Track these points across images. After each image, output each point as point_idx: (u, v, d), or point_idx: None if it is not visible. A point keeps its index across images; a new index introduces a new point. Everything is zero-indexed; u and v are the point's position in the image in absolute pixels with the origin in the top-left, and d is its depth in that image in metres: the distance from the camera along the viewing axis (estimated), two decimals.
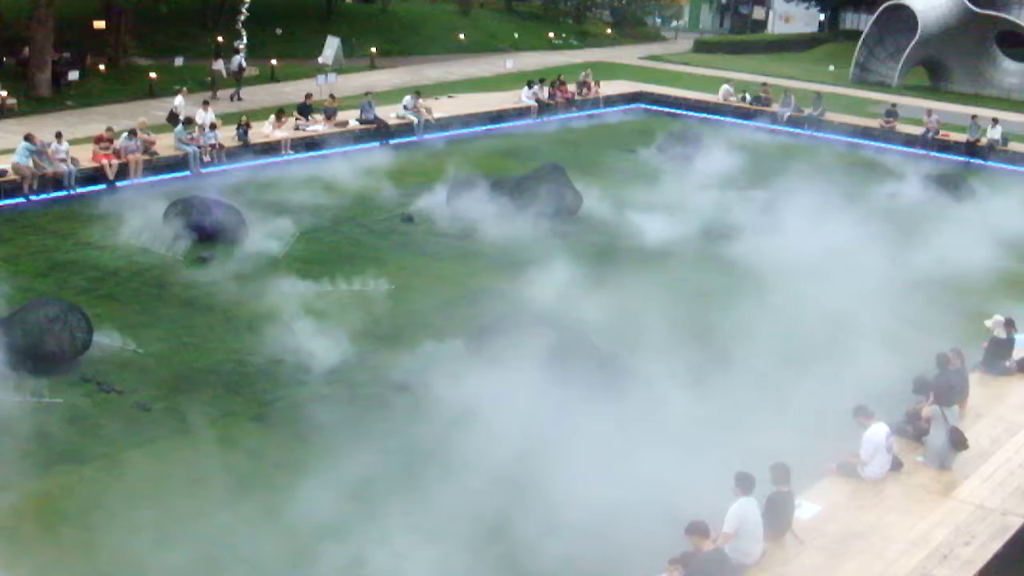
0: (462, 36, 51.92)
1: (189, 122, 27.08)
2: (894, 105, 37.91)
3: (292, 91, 35.43)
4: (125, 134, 25.35)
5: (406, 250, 21.83)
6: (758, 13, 76.53)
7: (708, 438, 12.93)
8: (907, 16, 46.24)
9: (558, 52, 54.22)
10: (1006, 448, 13.46)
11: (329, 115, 30.50)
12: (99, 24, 36.43)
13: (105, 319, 16.70)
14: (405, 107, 32.25)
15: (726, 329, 17.51)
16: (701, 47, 60.34)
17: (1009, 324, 16.00)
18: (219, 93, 34.73)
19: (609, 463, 12.32)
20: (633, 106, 40.06)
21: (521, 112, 35.81)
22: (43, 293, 17.56)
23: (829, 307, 18.00)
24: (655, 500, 11.51)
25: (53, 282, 18.73)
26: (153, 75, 35.22)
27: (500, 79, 42.25)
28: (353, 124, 30.55)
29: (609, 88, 40.29)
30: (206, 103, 28.79)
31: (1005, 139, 34.42)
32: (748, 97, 39.25)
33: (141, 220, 21.34)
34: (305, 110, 30.20)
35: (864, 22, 57.74)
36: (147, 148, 25.57)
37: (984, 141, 34.29)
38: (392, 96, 34.49)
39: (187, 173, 25.82)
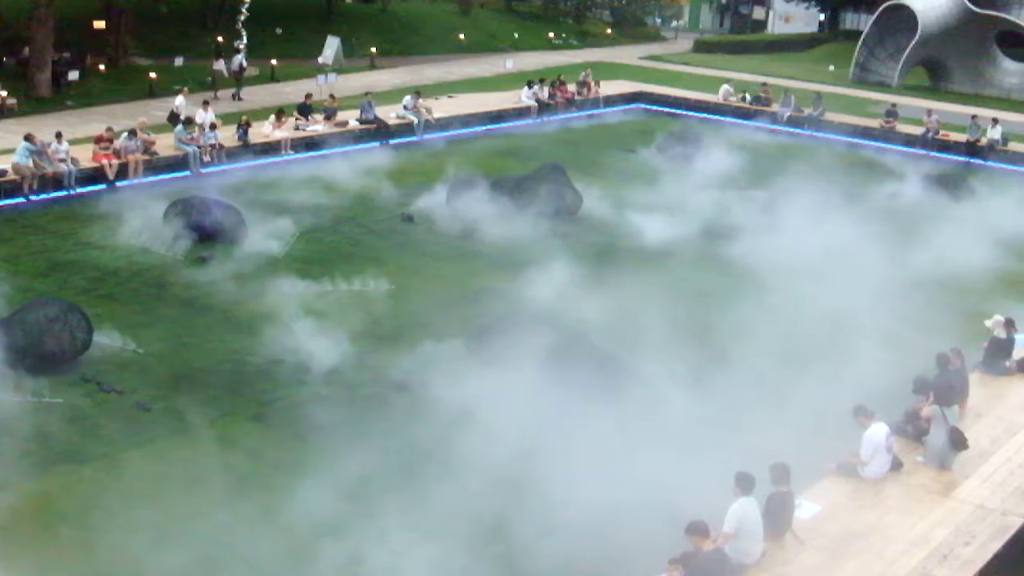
0: (462, 36, 51.92)
1: (189, 122, 27.09)
2: (894, 105, 37.91)
3: (292, 91, 35.43)
4: (125, 134, 25.36)
5: (406, 250, 21.83)
6: (758, 13, 76.53)
7: (708, 438, 12.93)
8: (907, 16, 46.24)
9: (558, 52, 54.22)
10: (1006, 448, 13.46)
11: (329, 115, 30.50)
12: (99, 24, 36.42)
13: (105, 319, 16.70)
14: (405, 107, 32.25)
15: (726, 329, 17.50)
16: (701, 47, 60.34)
17: (1009, 324, 16.00)
18: (220, 93, 34.73)
19: (609, 463, 12.32)
20: (633, 106, 40.05)
21: (521, 112, 35.80)
22: (43, 293, 17.56)
23: (829, 307, 17.99)
24: (655, 500, 11.50)
25: (53, 282, 18.73)
26: (153, 75, 35.21)
27: (500, 79, 42.25)
28: (353, 124, 30.55)
29: (609, 88, 40.29)
30: (206, 103, 28.78)
31: (1005, 139, 34.42)
32: (748, 97, 39.25)
33: (141, 220, 21.34)
34: (305, 110, 30.19)
35: (864, 22, 57.74)
36: (147, 148, 25.57)
37: (984, 141, 34.29)
38: (392, 96, 34.49)
39: (187, 173, 25.82)
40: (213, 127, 27.00)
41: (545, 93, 36.74)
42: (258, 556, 11.10)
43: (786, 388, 14.54)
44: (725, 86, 40.05)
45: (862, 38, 49.86)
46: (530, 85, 36.61)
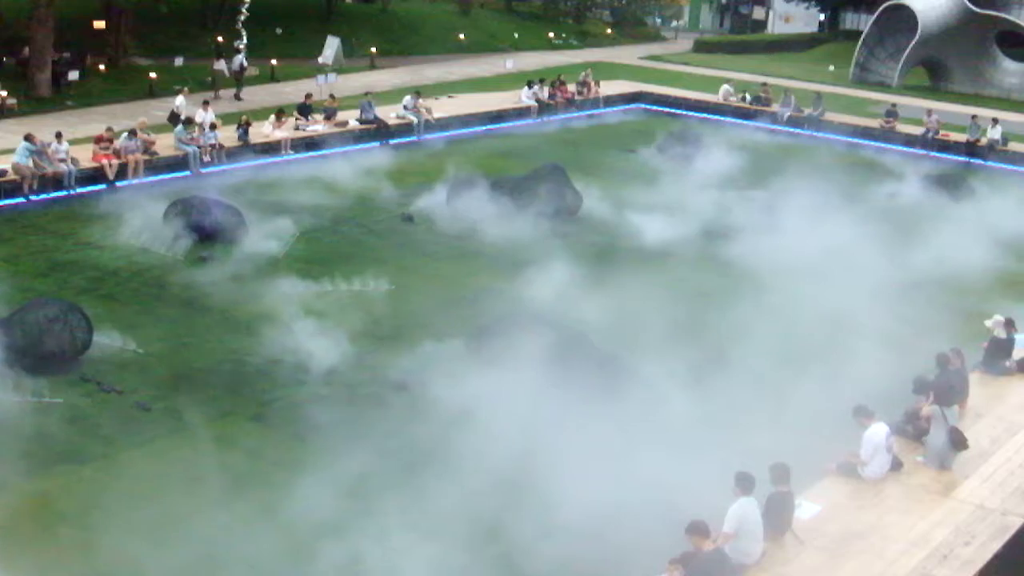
0: (462, 36, 51.92)
1: (189, 122, 27.09)
2: (894, 105, 37.91)
3: (292, 91, 35.42)
4: (125, 134, 25.35)
5: (406, 250, 21.83)
6: (758, 13, 76.52)
7: (708, 438, 12.93)
8: (907, 16, 46.24)
9: (558, 52, 54.22)
10: (1006, 448, 13.46)
11: (329, 115, 30.50)
12: (99, 24, 36.41)
13: (105, 319, 16.69)
14: (405, 107, 32.25)
15: (726, 329, 17.50)
16: (701, 47, 60.33)
17: (1009, 324, 16.00)
18: (221, 93, 34.74)
19: (609, 463, 12.31)
20: (633, 106, 40.05)
21: (521, 112, 35.80)
22: (43, 293, 17.56)
23: (829, 307, 17.99)
24: (655, 500, 11.50)
25: (53, 282, 18.73)
26: (153, 75, 35.21)
27: (500, 79, 42.25)
28: (353, 124, 30.55)
29: (609, 88, 40.29)
30: (206, 103, 28.78)
31: (1005, 139, 34.43)
32: (748, 97, 39.25)
33: (141, 220, 21.34)
34: (305, 110, 30.19)
35: (864, 22, 57.74)
36: (147, 148, 25.57)
37: (984, 141, 34.30)
38: (392, 96, 34.49)
39: (187, 173, 25.82)
40: (213, 127, 27.00)
41: (545, 93, 36.74)
42: (258, 556, 11.09)
43: (786, 388, 14.54)
44: (725, 86, 40.05)
45: (862, 38, 49.87)
46: (530, 85, 36.61)
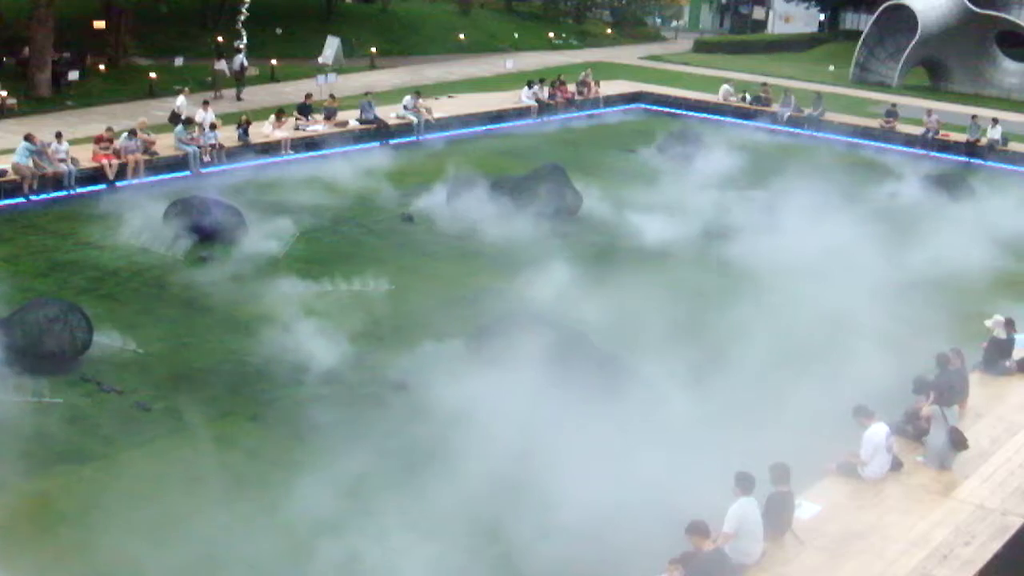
0: (462, 36, 51.92)
1: (189, 122, 27.10)
2: (894, 105, 37.91)
3: (292, 91, 35.43)
4: (125, 134, 25.35)
5: (406, 250, 21.83)
6: (758, 13, 76.52)
7: (708, 438, 12.91)
8: (907, 16, 46.24)
9: (558, 52, 54.22)
10: (1006, 448, 13.46)
11: (329, 115, 30.49)
12: (99, 24, 36.42)
13: (105, 319, 16.69)
14: (405, 107, 32.25)
15: (725, 329, 17.48)
16: (701, 47, 60.34)
17: (1009, 324, 16.00)
18: (221, 93, 34.75)
19: (608, 463, 12.31)
20: (633, 106, 40.05)
21: (521, 112, 35.80)
22: (43, 293, 17.56)
23: (829, 307, 17.97)
24: (655, 500, 11.49)
25: (53, 282, 18.73)
26: (153, 75, 35.21)
27: (500, 79, 42.25)
28: (353, 124, 30.55)
29: (609, 88, 40.29)
30: (206, 103, 28.78)
31: (1005, 139, 34.43)
32: (748, 97, 39.26)
33: (141, 220, 21.34)
34: (305, 110, 30.19)
35: (864, 22, 57.75)
36: (147, 148, 25.57)
37: (984, 141, 34.30)
38: (392, 96, 34.49)
39: (187, 173, 25.83)
40: (213, 127, 27.00)
41: (545, 93, 36.74)
42: (257, 555, 11.09)
43: (786, 388, 14.51)
44: (725, 86, 40.05)
45: (862, 38, 49.87)
46: (530, 85, 36.61)
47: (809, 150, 33.61)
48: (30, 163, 23.28)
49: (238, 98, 34.78)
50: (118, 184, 24.45)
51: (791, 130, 36.42)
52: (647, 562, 10.36)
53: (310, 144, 29.08)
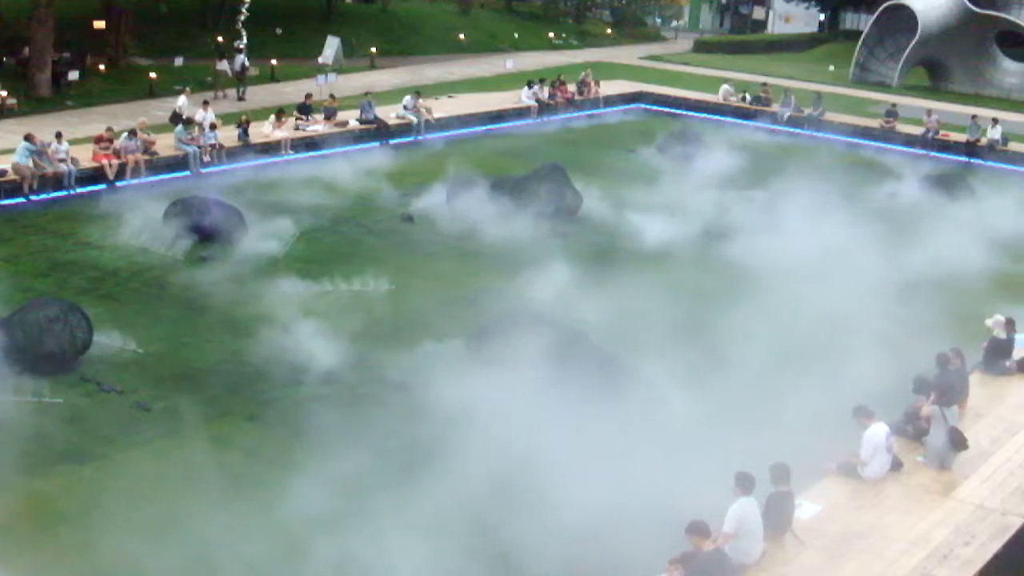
0: (462, 36, 51.92)
1: (189, 122, 27.10)
2: (894, 105, 37.91)
3: (292, 91, 35.42)
4: (125, 134, 25.35)
5: (406, 250, 21.83)
6: (758, 13, 76.53)
7: (708, 438, 12.91)
8: (907, 16, 46.24)
9: (558, 52, 54.22)
10: (1006, 448, 13.46)
11: (329, 115, 30.50)
12: (99, 24, 36.42)
13: (105, 319, 16.69)
14: (405, 107, 32.25)
15: (725, 329, 17.47)
16: (701, 47, 60.35)
17: (1009, 324, 16.00)
18: (225, 93, 34.77)
19: (608, 463, 12.31)
20: (633, 106, 40.06)
21: (521, 112, 35.80)
22: (43, 293, 17.56)
23: (829, 307, 17.97)
24: (655, 500, 11.49)
25: (53, 282, 18.73)
26: (153, 75, 35.21)
27: (500, 79, 42.25)
28: (353, 124, 30.55)
29: (609, 88, 40.29)
30: (206, 103, 28.79)
31: (1005, 139, 34.43)
32: (748, 97, 39.26)
33: (141, 220, 21.34)
34: (305, 110, 30.20)
35: (864, 22, 57.76)
36: (147, 148, 25.57)
37: (984, 141, 34.31)
38: (392, 96, 34.49)
39: (187, 173, 25.83)
40: (213, 127, 27.00)
41: (545, 93, 36.74)
42: (257, 555, 11.09)
43: (786, 388, 14.51)
44: (725, 86, 40.06)
45: (862, 38, 49.88)
46: (530, 85, 36.62)
47: (809, 150, 33.61)
48: (30, 163, 23.28)
49: (240, 98, 34.79)
50: (118, 184, 24.45)
51: (791, 130, 36.42)
52: (647, 562, 10.36)
53: (310, 144, 29.08)
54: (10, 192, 23.05)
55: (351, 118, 30.74)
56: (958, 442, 12.79)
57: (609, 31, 63.01)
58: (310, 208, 23.71)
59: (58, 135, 24.11)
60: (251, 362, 16.00)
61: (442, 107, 34.49)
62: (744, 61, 53.85)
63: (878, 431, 12.31)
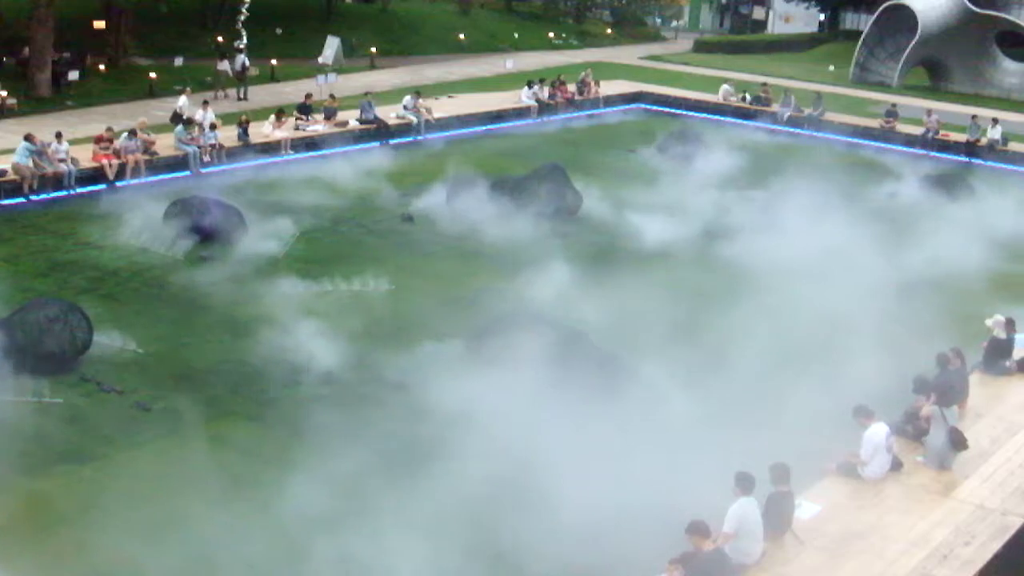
0: (462, 36, 51.92)
1: (189, 122, 27.10)
2: (894, 105, 37.92)
3: (292, 91, 35.43)
4: (125, 134, 25.35)
5: (406, 250, 21.82)
6: (758, 13, 76.53)
7: (708, 438, 12.91)
8: (907, 16, 46.24)
9: (558, 52, 54.22)
10: (1006, 448, 13.46)
11: (329, 115, 30.50)
12: (99, 24, 36.42)
13: (105, 319, 16.69)
14: (405, 107, 32.25)
15: (725, 329, 17.47)
16: (701, 47, 60.35)
17: (1009, 324, 15.99)
18: (226, 92, 34.78)
19: (608, 463, 12.31)
20: (633, 106, 40.06)
21: (521, 112, 35.81)
22: (43, 293, 17.56)
23: (829, 307, 17.96)
24: (655, 500, 11.49)
25: (53, 282, 18.73)
26: (153, 75, 35.21)
27: (500, 79, 42.25)
28: (353, 124, 30.55)
29: (609, 88, 40.29)
30: (206, 103, 28.79)
31: (1005, 139, 34.44)
32: (748, 97, 39.26)
33: (141, 220, 21.35)
34: (305, 110, 30.20)
35: (864, 22, 57.76)
36: (147, 148, 25.57)
37: (984, 141, 34.31)
38: (392, 96, 34.49)
39: (187, 173, 25.83)
40: (213, 127, 27.00)
41: (545, 93, 36.75)
42: (257, 555, 11.09)
43: (786, 388, 14.51)
44: (725, 86, 40.06)
45: (862, 38, 49.88)
46: (530, 85, 36.62)
47: (809, 150, 33.61)
48: (30, 163, 23.28)
49: (241, 98, 34.79)
50: (118, 184, 24.45)
51: (791, 130, 36.42)
52: (647, 562, 10.36)
53: (310, 144, 29.08)
54: (10, 192, 23.05)
55: (351, 118, 30.74)
56: (958, 442, 12.79)
57: (609, 31, 63.01)
58: (310, 208, 23.71)
59: (58, 135, 24.11)
60: (251, 362, 16.00)
61: (442, 107, 34.49)
62: (744, 61, 53.86)
63: (878, 431, 12.31)
